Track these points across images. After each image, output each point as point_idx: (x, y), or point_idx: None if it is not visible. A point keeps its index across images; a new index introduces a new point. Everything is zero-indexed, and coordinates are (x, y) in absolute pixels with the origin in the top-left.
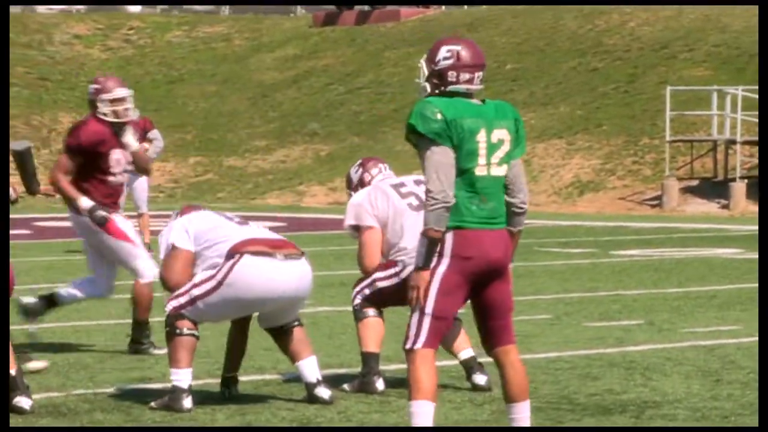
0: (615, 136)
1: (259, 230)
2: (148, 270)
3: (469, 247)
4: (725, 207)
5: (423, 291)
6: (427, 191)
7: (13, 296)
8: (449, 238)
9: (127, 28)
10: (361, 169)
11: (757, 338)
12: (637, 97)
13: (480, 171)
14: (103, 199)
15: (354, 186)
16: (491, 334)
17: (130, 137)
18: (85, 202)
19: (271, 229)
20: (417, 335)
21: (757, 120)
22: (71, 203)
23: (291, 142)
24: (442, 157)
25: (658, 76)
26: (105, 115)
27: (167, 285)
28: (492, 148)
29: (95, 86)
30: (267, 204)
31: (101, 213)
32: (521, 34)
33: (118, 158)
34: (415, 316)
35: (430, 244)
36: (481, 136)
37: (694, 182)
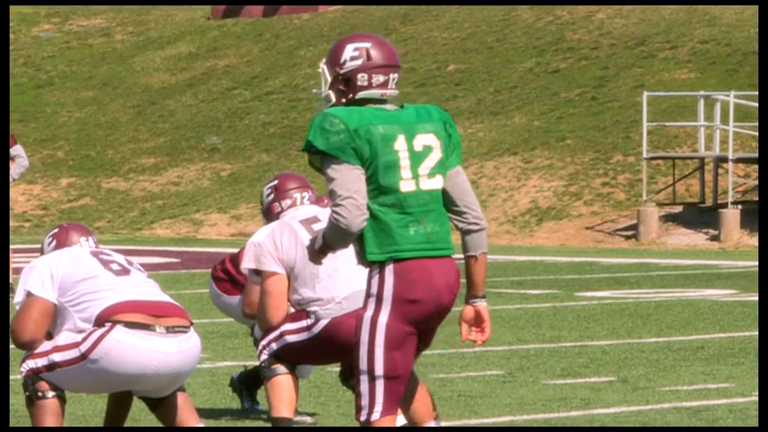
0: (581, 152)
1: (141, 286)
2: None
3: (415, 286)
4: (715, 239)
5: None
6: (333, 213)
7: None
8: (388, 274)
9: None
10: (273, 194)
11: (751, 398)
12: (607, 105)
13: (407, 186)
14: None
15: (263, 210)
16: None
17: None
18: None
19: (162, 266)
20: (371, 404)
21: (752, 133)
22: None
23: (185, 160)
24: (348, 175)
25: (632, 80)
26: None
27: (18, 340)
28: (417, 157)
29: None
30: (156, 236)
31: None
32: (467, 27)
33: None
34: (364, 382)
35: (322, 248)
36: (400, 144)
37: (677, 209)
